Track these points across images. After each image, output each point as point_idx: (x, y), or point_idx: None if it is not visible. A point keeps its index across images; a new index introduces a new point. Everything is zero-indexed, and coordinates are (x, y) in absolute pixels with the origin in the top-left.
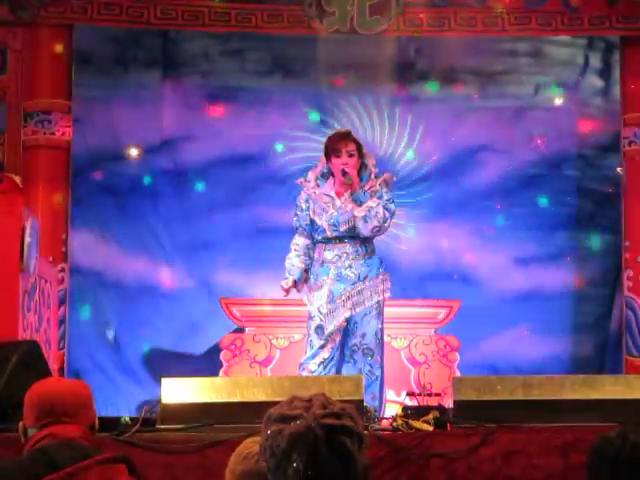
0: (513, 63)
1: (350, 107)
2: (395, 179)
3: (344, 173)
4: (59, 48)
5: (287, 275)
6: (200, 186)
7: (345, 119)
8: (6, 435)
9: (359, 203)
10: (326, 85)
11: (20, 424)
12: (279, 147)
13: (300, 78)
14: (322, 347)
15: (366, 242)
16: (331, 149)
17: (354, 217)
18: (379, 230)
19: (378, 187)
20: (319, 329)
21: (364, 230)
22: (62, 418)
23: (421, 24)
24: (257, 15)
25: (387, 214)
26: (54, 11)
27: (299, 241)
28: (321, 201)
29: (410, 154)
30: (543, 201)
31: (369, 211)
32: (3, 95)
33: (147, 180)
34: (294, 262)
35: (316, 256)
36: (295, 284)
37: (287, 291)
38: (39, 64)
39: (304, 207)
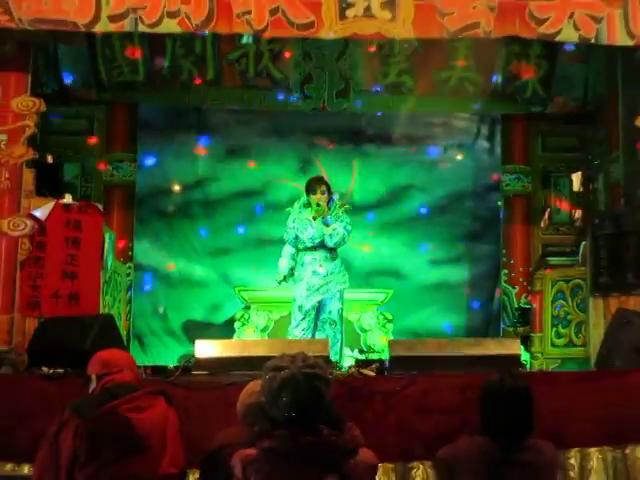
0: (430, 131)
1: (323, 159)
2: (351, 208)
3: (317, 205)
4: (129, 118)
5: (279, 273)
6: (221, 211)
7: (319, 167)
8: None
9: (327, 225)
10: (307, 144)
11: (87, 373)
12: (275, 185)
13: (289, 139)
14: (302, 319)
15: (332, 250)
16: (309, 188)
17: (324, 235)
18: (340, 243)
19: (340, 214)
20: (300, 308)
21: (330, 243)
22: (115, 370)
23: (370, 104)
24: (261, 97)
25: (345, 233)
26: (125, 94)
27: (288, 250)
28: (303, 223)
29: (361, 190)
30: (449, 222)
31: (334, 230)
32: (92, 150)
33: (186, 207)
34: (284, 264)
35: (298, 259)
36: (285, 279)
37: (279, 283)
38: (115, 129)
39: (291, 227)
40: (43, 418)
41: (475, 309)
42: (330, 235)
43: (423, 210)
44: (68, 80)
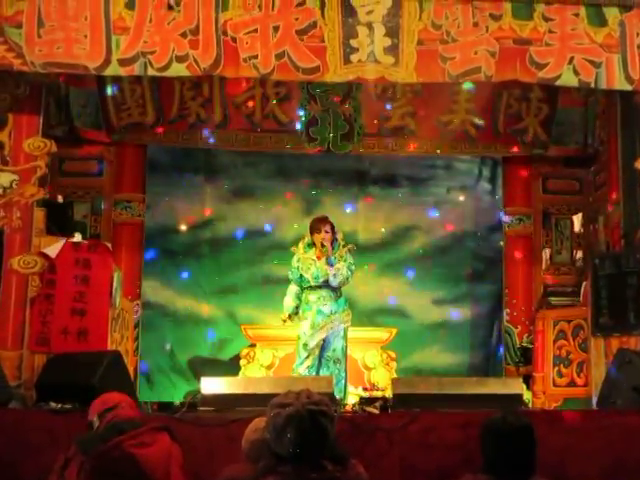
0: (433, 172)
1: (327, 200)
2: (355, 248)
3: (322, 245)
4: (137, 159)
5: (285, 311)
6: (229, 250)
7: (324, 207)
8: None
9: (331, 265)
10: (311, 185)
11: (88, 420)
12: (280, 225)
13: (294, 181)
14: (307, 357)
15: (336, 289)
16: (314, 228)
17: (328, 274)
18: (343, 283)
19: (344, 253)
20: (305, 346)
21: (334, 283)
22: (113, 405)
23: (374, 147)
24: (267, 139)
25: (349, 273)
26: (135, 135)
27: (293, 289)
28: (307, 262)
29: (365, 231)
30: (452, 262)
31: (337, 271)
32: (101, 190)
33: (194, 246)
34: (289, 303)
35: (303, 298)
36: (290, 317)
37: (284, 321)
38: (124, 169)
39: (296, 266)
40: (50, 452)
41: (477, 348)
42: (334, 275)
43: (426, 250)
44: (78, 122)
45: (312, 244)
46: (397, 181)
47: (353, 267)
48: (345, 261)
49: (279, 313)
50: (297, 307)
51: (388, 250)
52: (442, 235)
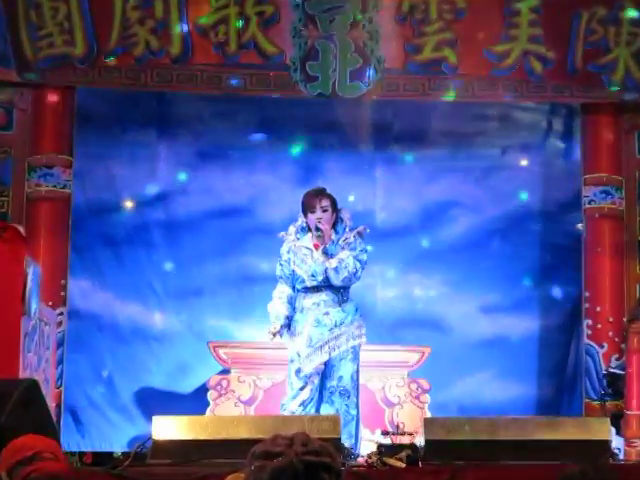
0: (482, 126)
1: (330, 165)
2: (368, 231)
3: (317, 229)
4: (62, 107)
5: (274, 320)
6: (191, 237)
7: (326, 176)
8: None
9: (330, 255)
10: (309, 145)
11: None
12: (265, 201)
13: (285, 138)
14: (302, 389)
15: (342, 290)
16: (306, 206)
17: (327, 269)
18: (350, 280)
19: (352, 239)
20: (298, 372)
21: (336, 280)
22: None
23: (397, 89)
24: (246, 79)
25: (358, 265)
26: (58, 74)
27: (283, 289)
28: (300, 253)
29: (385, 209)
30: (508, 254)
31: (340, 263)
32: (9, 151)
33: (142, 231)
34: (280, 310)
35: (297, 304)
36: (280, 330)
37: (274, 335)
38: (43, 122)
39: (286, 258)
40: None
41: (546, 375)
42: (335, 269)
43: (469, 237)
44: None
45: (307, 228)
46: (431, 139)
47: (364, 257)
48: (354, 250)
49: (263, 325)
50: (288, 317)
51: (417, 237)
52: (494, 215)
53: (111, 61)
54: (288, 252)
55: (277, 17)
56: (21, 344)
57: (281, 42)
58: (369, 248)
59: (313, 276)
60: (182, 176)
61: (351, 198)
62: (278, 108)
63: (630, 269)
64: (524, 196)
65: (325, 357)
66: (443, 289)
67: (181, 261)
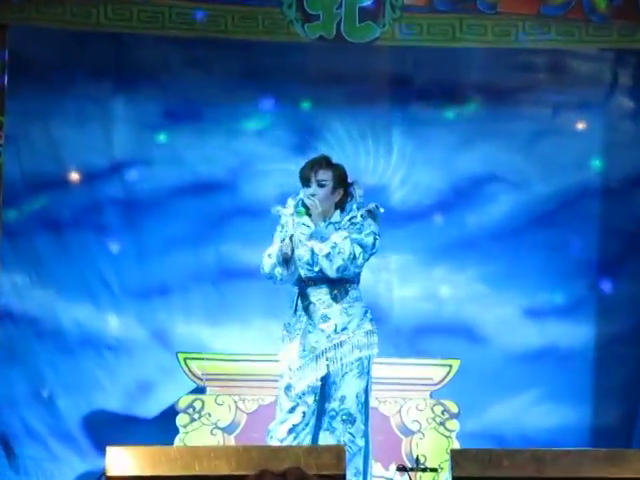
0: (529, 79)
1: (335, 128)
2: (382, 211)
3: (303, 204)
4: None
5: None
6: (156, 219)
7: (329, 141)
8: None
9: (319, 239)
10: (307, 102)
11: None
12: (252, 173)
13: (277, 94)
14: (291, 411)
15: (346, 286)
16: (302, 178)
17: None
18: (346, 269)
19: (360, 218)
20: (288, 389)
21: (330, 271)
22: None
23: (421, 32)
24: (227, 18)
25: (357, 250)
26: None
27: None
28: (299, 231)
29: (405, 183)
30: (560, 243)
31: (332, 248)
32: None
33: (93, 211)
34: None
35: (290, 302)
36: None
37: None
38: None
39: (283, 230)
40: None
41: (607, 397)
42: (327, 255)
43: (512, 221)
44: None
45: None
46: (463, 95)
47: (371, 240)
48: (358, 232)
49: (246, 332)
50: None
51: (445, 220)
52: (543, 193)
53: None
54: (284, 228)
55: None
56: None
57: None
58: (377, 232)
59: (309, 265)
60: (144, 142)
61: (360, 169)
62: (267, 55)
63: None
64: (582, 169)
65: (322, 371)
66: (477, 287)
67: (143, 250)
